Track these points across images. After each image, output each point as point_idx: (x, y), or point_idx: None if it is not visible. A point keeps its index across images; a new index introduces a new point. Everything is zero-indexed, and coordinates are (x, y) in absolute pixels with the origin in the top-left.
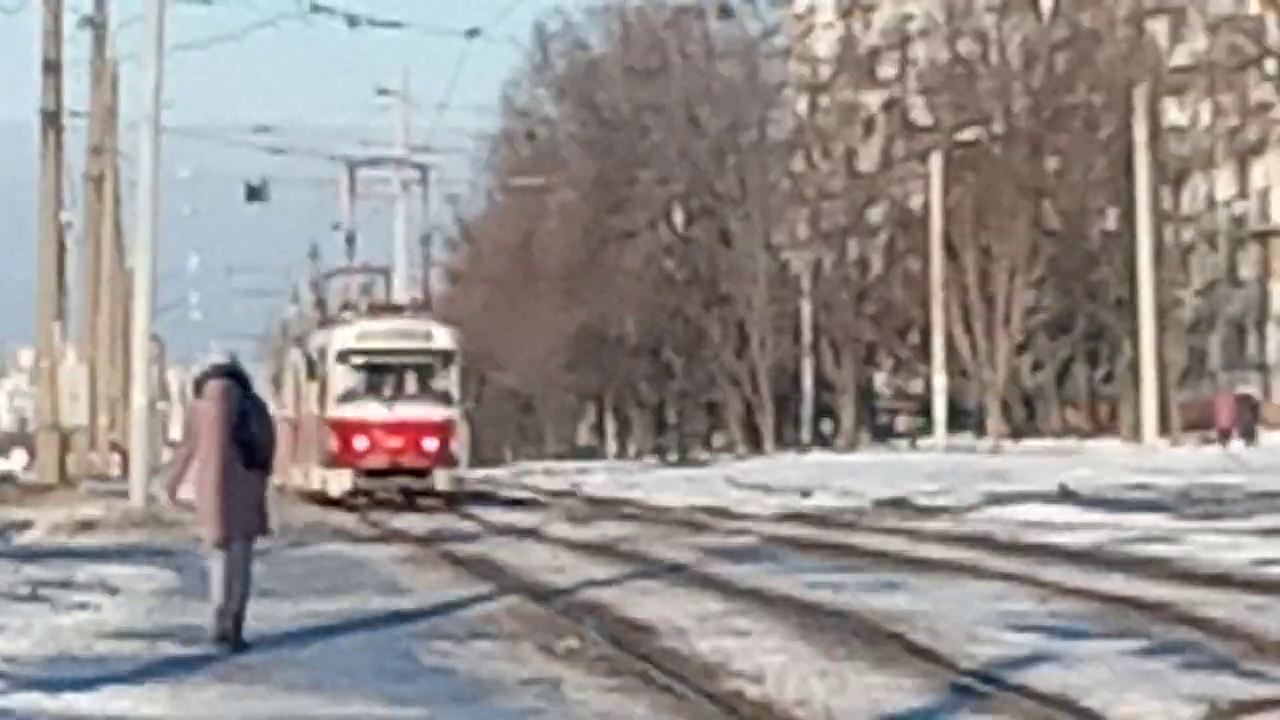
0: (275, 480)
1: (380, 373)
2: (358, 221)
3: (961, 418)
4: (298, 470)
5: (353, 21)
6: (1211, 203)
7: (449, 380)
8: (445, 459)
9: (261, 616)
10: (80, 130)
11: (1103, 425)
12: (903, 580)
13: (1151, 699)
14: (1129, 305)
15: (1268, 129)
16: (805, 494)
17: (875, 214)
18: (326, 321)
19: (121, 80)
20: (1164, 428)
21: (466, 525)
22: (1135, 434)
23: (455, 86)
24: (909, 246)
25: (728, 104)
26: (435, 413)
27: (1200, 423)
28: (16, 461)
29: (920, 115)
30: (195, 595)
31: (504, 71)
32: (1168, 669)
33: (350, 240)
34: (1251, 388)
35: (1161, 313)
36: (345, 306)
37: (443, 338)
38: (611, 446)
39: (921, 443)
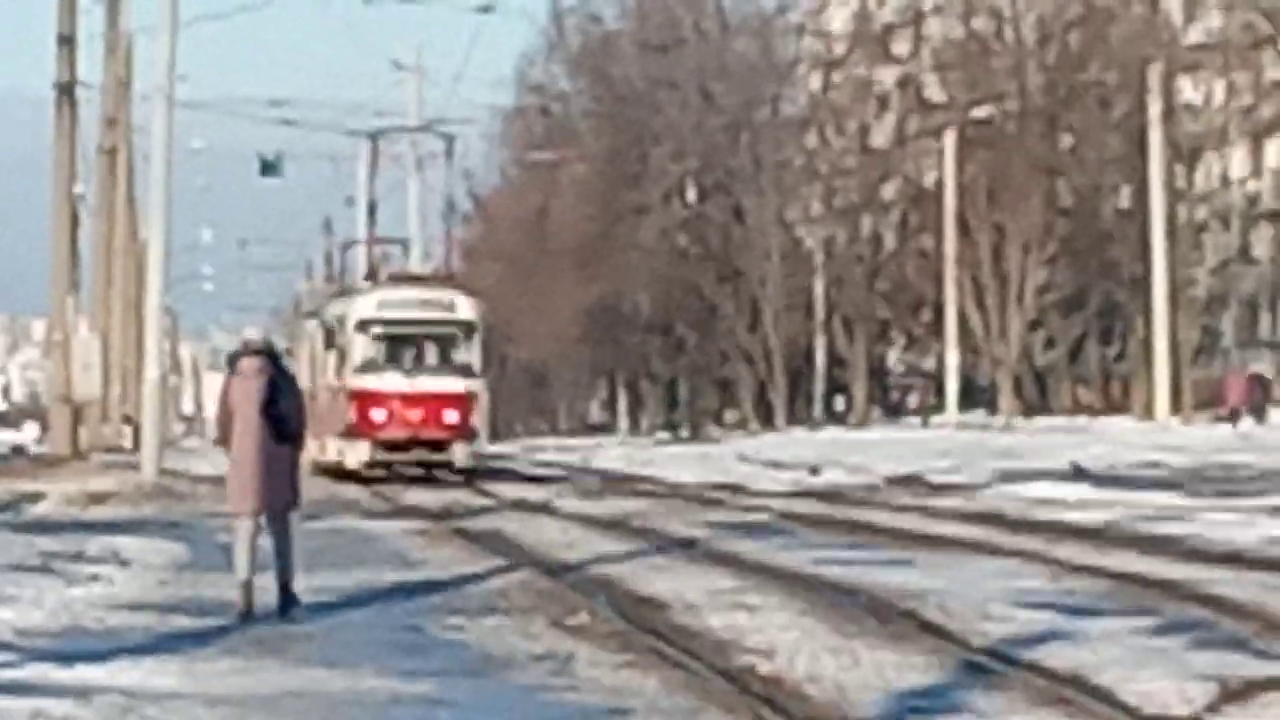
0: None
1: (401, 343)
2: (368, 200)
3: (974, 395)
4: (314, 442)
5: None
6: (1225, 181)
7: (471, 352)
8: (465, 432)
9: (273, 590)
10: (94, 103)
11: (1115, 403)
12: (914, 557)
13: (1163, 677)
14: (1142, 283)
15: None
16: (814, 470)
17: (889, 190)
18: (345, 291)
19: (135, 53)
20: (1176, 406)
21: (478, 500)
22: (1148, 412)
23: (470, 61)
24: (922, 223)
25: (742, 80)
26: (456, 385)
27: (1212, 401)
28: (29, 434)
29: (934, 92)
30: (207, 568)
31: (518, 46)
32: (1180, 647)
33: (372, 210)
34: (1264, 366)
35: (1174, 291)
36: (367, 275)
37: (465, 308)
38: (624, 422)
39: (933, 420)
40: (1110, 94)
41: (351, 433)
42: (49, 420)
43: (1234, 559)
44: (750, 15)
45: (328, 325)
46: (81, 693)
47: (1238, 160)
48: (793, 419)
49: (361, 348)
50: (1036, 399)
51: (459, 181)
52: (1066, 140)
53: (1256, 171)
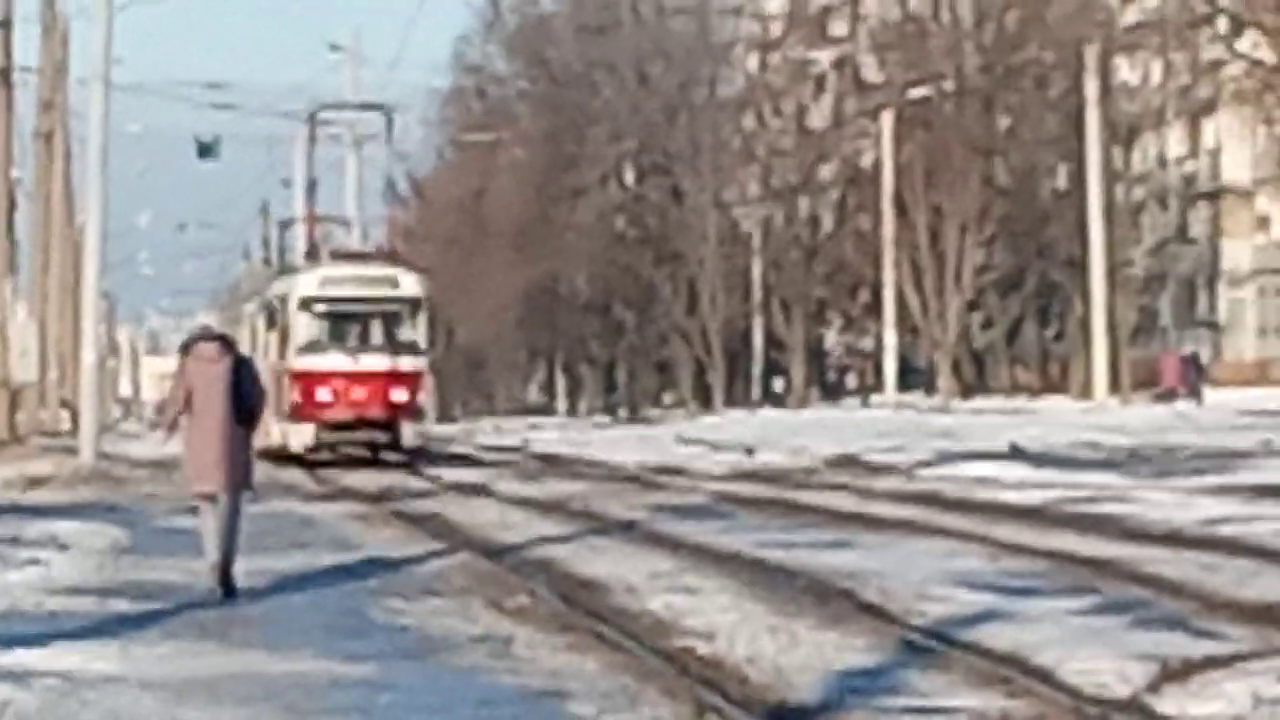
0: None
1: (344, 321)
2: (308, 177)
3: (912, 376)
4: None
5: None
6: (1163, 161)
7: (417, 330)
8: (412, 412)
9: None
10: (30, 86)
11: (1053, 383)
12: (853, 538)
13: (1102, 657)
14: (1080, 263)
15: (1218, 88)
16: (750, 451)
17: (826, 172)
18: (286, 270)
19: (72, 36)
20: (1114, 386)
21: (417, 482)
22: (1085, 392)
23: (407, 43)
24: (860, 204)
25: (679, 62)
26: (402, 363)
27: (1150, 381)
28: None
29: (871, 73)
30: (146, 552)
31: (456, 28)
32: (1119, 627)
33: (312, 188)
34: (1199, 346)
35: (1112, 271)
36: (308, 254)
37: (410, 285)
38: (562, 404)
39: (872, 400)
40: (1047, 74)
41: (295, 414)
42: None
43: (1173, 539)
44: None
45: (269, 305)
46: (20, 677)
47: (1175, 140)
48: (731, 400)
49: (304, 327)
50: (975, 379)
51: (396, 163)
52: (1004, 121)
53: (1193, 152)
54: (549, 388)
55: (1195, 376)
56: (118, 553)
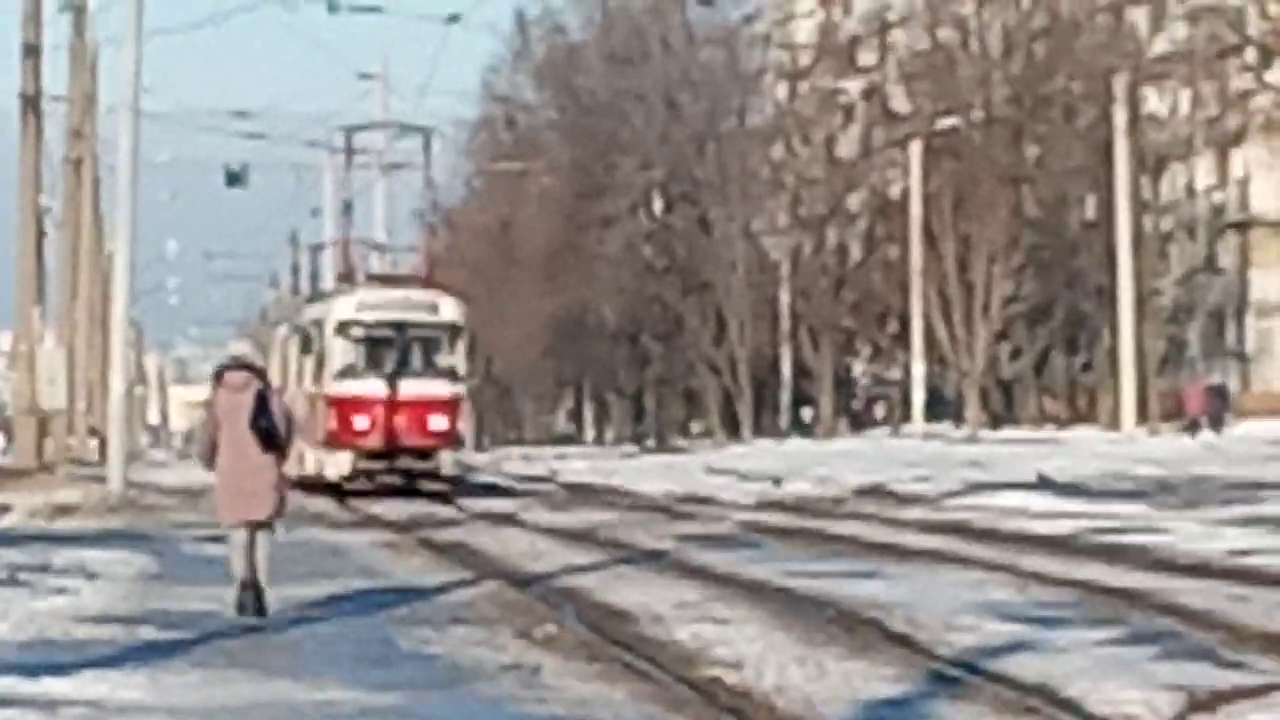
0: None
1: (382, 346)
2: (343, 198)
3: (939, 406)
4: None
5: (333, 6)
6: (1191, 192)
7: (456, 356)
8: (451, 440)
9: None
10: (60, 115)
11: (1081, 414)
12: (881, 568)
13: (1130, 688)
14: (1108, 294)
15: (1247, 118)
16: (777, 482)
17: (854, 201)
18: (320, 294)
19: (101, 64)
20: (1142, 416)
21: (445, 511)
22: (1113, 423)
23: (435, 72)
24: (888, 234)
25: (707, 91)
26: (441, 389)
27: (1177, 412)
28: None
29: (900, 103)
30: (174, 580)
31: (484, 57)
32: (1146, 658)
33: (347, 208)
34: (1225, 377)
35: (1140, 301)
36: (342, 277)
37: (449, 310)
38: (589, 433)
39: (900, 430)
40: (1076, 104)
41: (331, 442)
42: (14, 431)
43: (1201, 570)
44: (716, 26)
45: (303, 330)
46: (48, 705)
47: (1203, 170)
48: (759, 430)
49: (341, 352)
50: (1003, 409)
51: (425, 190)
52: (1032, 151)
53: (1222, 182)
54: (577, 417)
55: (1219, 406)
56: (146, 581)
